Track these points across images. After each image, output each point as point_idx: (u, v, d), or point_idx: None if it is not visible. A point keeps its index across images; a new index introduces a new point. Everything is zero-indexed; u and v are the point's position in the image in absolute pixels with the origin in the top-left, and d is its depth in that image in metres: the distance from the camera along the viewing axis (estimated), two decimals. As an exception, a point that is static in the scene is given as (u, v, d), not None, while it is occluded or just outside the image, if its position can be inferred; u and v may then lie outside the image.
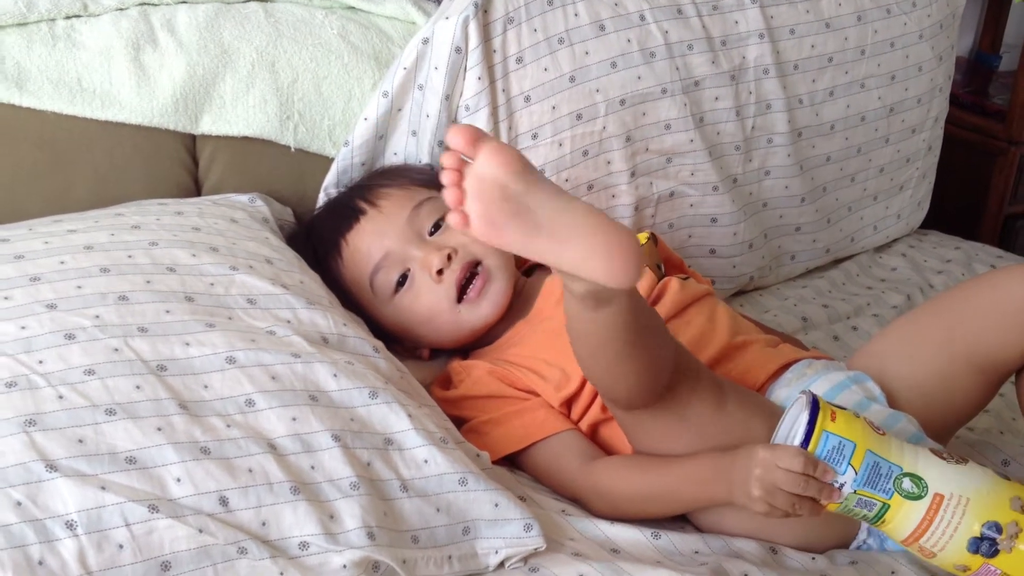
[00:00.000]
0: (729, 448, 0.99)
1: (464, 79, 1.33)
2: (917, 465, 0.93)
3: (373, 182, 1.32)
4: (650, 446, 1.05)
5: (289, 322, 1.05)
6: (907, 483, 0.91)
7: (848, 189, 1.65)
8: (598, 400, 1.14)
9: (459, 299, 1.23)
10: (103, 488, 0.84)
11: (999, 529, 0.89)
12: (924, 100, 1.68)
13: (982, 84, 2.24)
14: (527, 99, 1.36)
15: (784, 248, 1.61)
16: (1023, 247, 2.14)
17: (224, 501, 0.88)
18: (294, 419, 0.95)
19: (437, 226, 1.26)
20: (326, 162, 1.37)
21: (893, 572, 1.02)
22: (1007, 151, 2.07)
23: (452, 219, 0.84)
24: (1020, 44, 2.26)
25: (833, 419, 0.93)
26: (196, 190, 1.34)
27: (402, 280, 1.24)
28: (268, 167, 1.36)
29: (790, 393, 1.09)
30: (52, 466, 0.85)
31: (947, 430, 1.12)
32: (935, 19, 1.66)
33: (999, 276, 1.09)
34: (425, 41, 1.32)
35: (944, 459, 0.94)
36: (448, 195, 0.84)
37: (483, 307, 1.24)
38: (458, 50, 1.31)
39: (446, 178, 0.84)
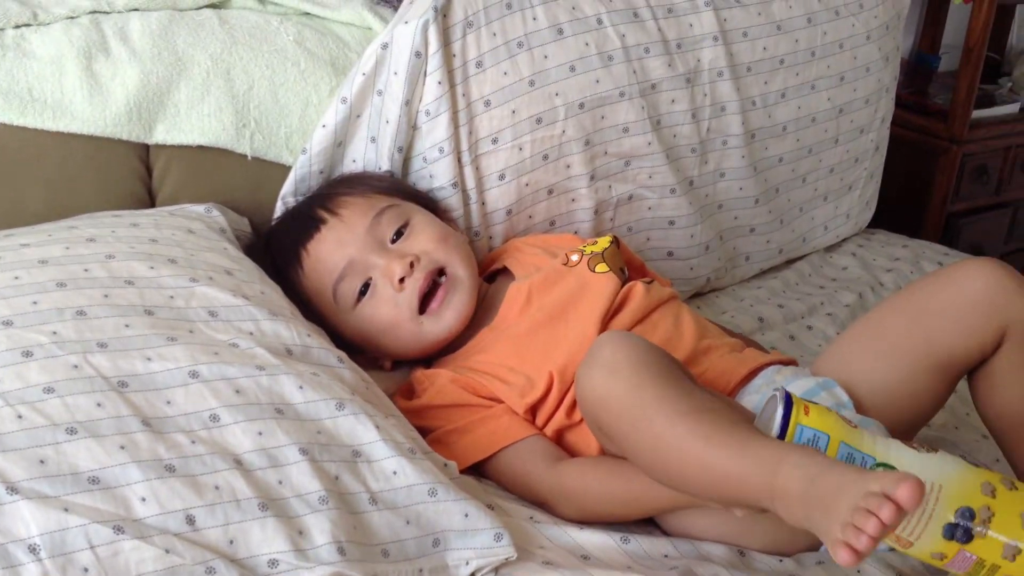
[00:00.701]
0: None
1: (424, 84, 1.32)
2: (889, 455, 0.94)
3: (333, 190, 1.31)
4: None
5: (252, 334, 1.04)
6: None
7: (800, 190, 1.67)
8: (563, 406, 1.14)
9: (422, 309, 1.22)
10: (66, 510, 0.82)
11: (972, 515, 0.90)
12: (871, 100, 1.70)
13: (922, 84, 2.28)
14: (487, 103, 1.36)
15: (739, 249, 1.63)
16: (966, 244, 2.18)
17: (191, 520, 0.86)
18: (260, 433, 0.94)
19: (399, 233, 1.25)
20: (283, 171, 1.35)
21: (859, 571, 1.03)
22: (949, 150, 2.11)
23: (844, 555, 0.83)
24: (959, 45, 2.30)
25: (807, 413, 0.95)
26: (150, 201, 1.31)
27: (364, 289, 1.23)
28: (224, 176, 1.34)
29: (761, 399, 1.10)
30: (13, 488, 0.82)
31: (912, 430, 1.14)
32: (881, 20, 1.68)
33: (953, 273, 1.11)
34: (384, 46, 1.31)
35: (915, 448, 0.95)
36: (862, 541, 0.83)
37: (446, 317, 1.23)
38: (418, 55, 1.31)
39: (874, 528, 0.82)
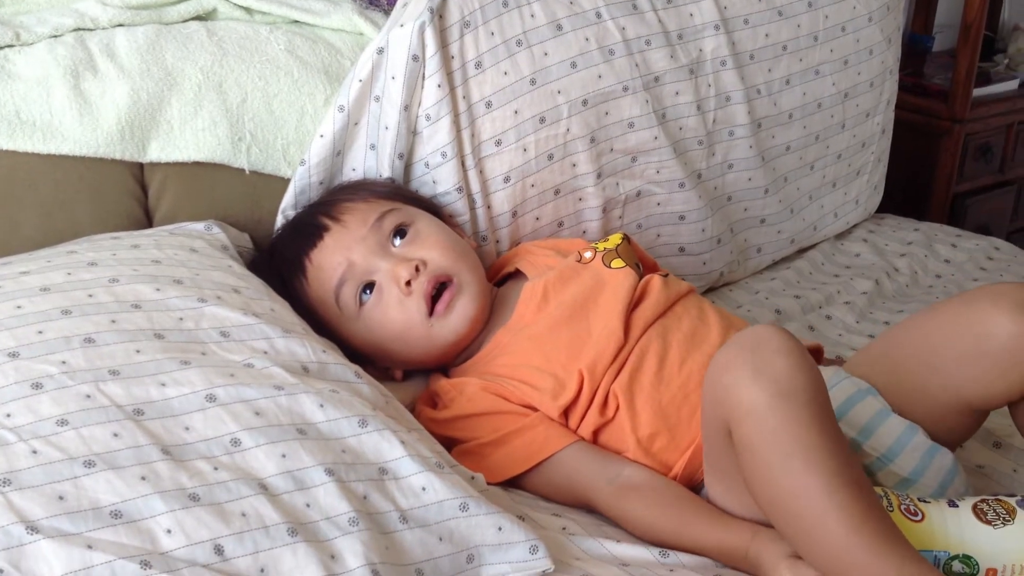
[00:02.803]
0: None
1: (423, 88, 1.28)
2: (964, 541, 0.89)
3: (334, 197, 1.27)
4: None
5: (266, 353, 1.00)
6: (957, 566, 0.89)
7: (808, 177, 1.64)
8: (595, 404, 1.11)
9: (429, 312, 1.18)
10: (89, 547, 0.78)
11: None
12: (876, 83, 1.68)
13: (918, 65, 2.26)
14: (488, 105, 1.32)
15: (750, 241, 1.59)
16: (973, 224, 2.16)
17: (219, 550, 0.82)
18: (284, 456, 0.90)
19: (402, 234, 1.21)
20: (282, 183, 1.31)
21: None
22: (951, 130, 2.09)
23: None
24: (951, 24, 2.29)
25: None
26: (147, 220, 1.27)
27: (368, 289, 1.19)
28: (221, 192, 1.30)
29: None
30: (33, 527, 0.78)
31: None
32: (882, 1, 1.66)
33: (972, 315, 1.02)
34: (380, 51, 1.28)
35: (990, 522, 0.90)
36: None
37: (452, 320, 1.19)
38: (415, 58, 1.27)
39: None
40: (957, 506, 0.94)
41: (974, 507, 0.93)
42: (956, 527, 0.91)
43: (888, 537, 0.87)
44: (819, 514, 0.87)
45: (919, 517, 0.92)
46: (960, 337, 1.02)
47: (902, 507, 0.93)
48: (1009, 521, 0.91)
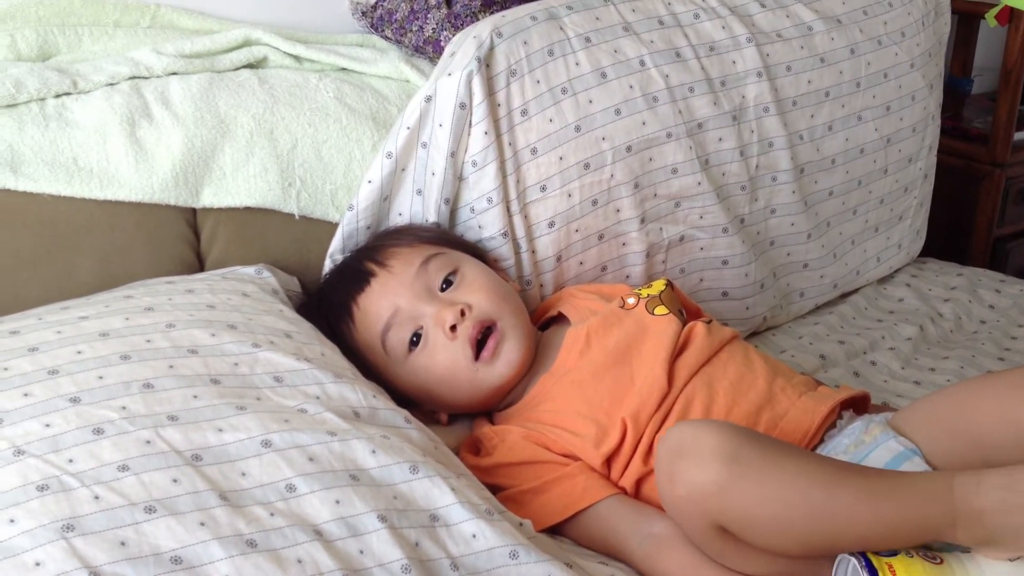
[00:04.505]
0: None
1: (470, 135, 1.30)
2: None
3: (380, 242, 1.29)
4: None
5: (319, 398, 1.01)
6: None
7: (851, 222, 1.64)
8: (639, 452, 1.10)
9: (475, 357, 1.19)
10: (150, 593, 0.79)
11: None
12: (919, 129, 1.68)
13: (956, 108, 2.26)
14: (534, 151, 1.34)
15: (793, 286, 1.59)
16: (1014, 268, 2.15)
17: (276, 596, 0.83)
18: (338, 502, 0.91)
19: (448, 282, 1.23)
20: (330, 228, 1.33)
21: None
22: (992, 174, 2.08)
23: None
24: (990, 67, 2.28)
25: (893, 574, 0.90)
26: (199, 265, 1.30)
27: (415, 338, 1.20)
28: (271, 236, 1.32)
29: (848, 445, 1.05)
30: (96, 573, 0.79)
31: None
32: (924, 48, 1.66)
33: (1007, 403, 0.99)
34: (428, 99, 1.30)
35: (1008, 558, 0.91)
36: None
37: (498, 366, 1.20)
38: (462, 106, 1.29)
39: None
40: (969, 549, 0.94)
41: None
42: (975, 566, 0.91)
43: (915, 476, 0.93)
44: (842, 515, 0.90)
45: (938, 561, 0.92)
46: (1005, 425, 1.00)
47: (920, 552, 0.93)
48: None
